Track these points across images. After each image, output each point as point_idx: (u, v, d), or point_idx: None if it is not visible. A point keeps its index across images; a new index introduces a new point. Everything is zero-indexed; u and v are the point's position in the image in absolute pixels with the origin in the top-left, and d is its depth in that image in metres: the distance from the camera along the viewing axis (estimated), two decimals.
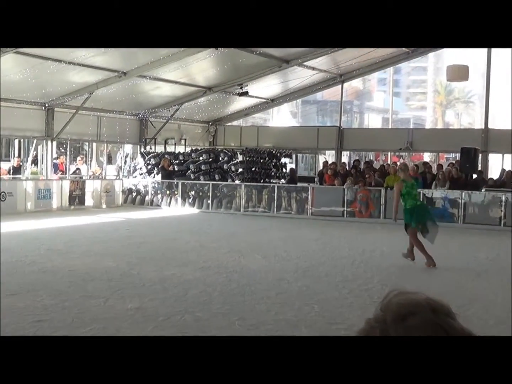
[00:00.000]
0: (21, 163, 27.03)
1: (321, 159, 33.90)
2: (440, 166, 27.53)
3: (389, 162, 30.76)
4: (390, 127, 44.29)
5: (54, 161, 27.91)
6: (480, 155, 27.48)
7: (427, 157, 40.92)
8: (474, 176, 25.77)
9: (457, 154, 28.61)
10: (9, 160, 29.67)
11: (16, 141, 29.42)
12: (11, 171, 26.76)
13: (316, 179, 28.40)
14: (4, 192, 23.55)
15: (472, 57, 32.43)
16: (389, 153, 34.84)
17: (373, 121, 68.51)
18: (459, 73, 28.07)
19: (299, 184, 27.64)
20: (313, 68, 29.56)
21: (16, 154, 29.08)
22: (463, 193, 23.53)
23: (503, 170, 27.52)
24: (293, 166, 31.76)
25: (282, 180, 28.90)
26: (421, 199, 21.13)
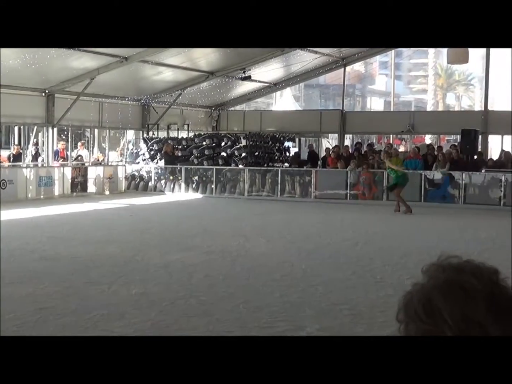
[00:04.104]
0: (21, 151, 26.87)
1: (324, 142, 33.89)
2: (440, 148, 27.62)
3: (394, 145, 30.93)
4: (392, 110, 44.22)
5: (55, 148, 27.83)
6: (480, 136, 27.58)
7: (428, 139, 40.90)
8: (475, 157, 25.87)
9: (458, 136, 28.77)
10: (9, 148, 29.57)
11: (16, 128, 29.34)
12: (11, 158, 26.63)
13: (319, 162, 28.41)
14: (5, 180, 23.43)
15: None
16: (391, 136, 34.85)
17: (375, 104, 68.55)
18: (459, 55, 27.98)
19: (302, 168, 27.68)
20: (316, 52, 29.49)
21: (16, 142, 28.96)
22: (464, 174, 23.71)
23: (502, 151, 27.61)
24: (296, 150, 31.80)
25: (286, 164, 28.93)
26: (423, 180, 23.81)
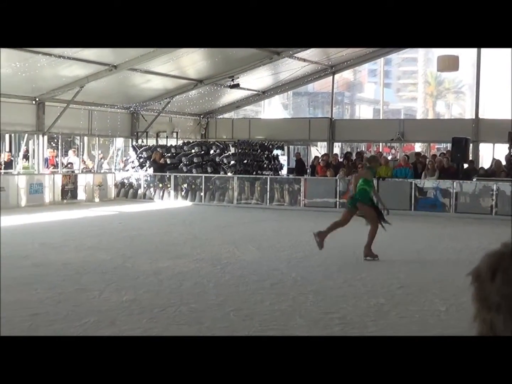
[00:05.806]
0: (12, 158, 26.94)
1: (313, 150, 33.95)
2: (425, 157, 27.68)
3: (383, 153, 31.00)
4: (381, 118, 44.29)
5: (45, 155, 27.87)
6: (471, 144, 27.57)
7: (418, 147, 40.97)
8: (465, 165, 25.81)
9: (448, 144, 28.68)
10: None
11: (7, 136, 29.33)
12: (2, 166, 26.69)
13: (308, 170, 28.45)
14: None
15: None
16: (380, 144, 34.92)
17: (364, 112, 68.68)
18: (449, 63, 28.06)
19: (291, 176, 27.68)
20: (304, 60, 29.58)
21: (7, 149, 28.99)
22: (455, 183, 23.56)
23: (493, 159, 27.61)
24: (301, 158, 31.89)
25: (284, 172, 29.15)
26: (413, 189, 23.58)
